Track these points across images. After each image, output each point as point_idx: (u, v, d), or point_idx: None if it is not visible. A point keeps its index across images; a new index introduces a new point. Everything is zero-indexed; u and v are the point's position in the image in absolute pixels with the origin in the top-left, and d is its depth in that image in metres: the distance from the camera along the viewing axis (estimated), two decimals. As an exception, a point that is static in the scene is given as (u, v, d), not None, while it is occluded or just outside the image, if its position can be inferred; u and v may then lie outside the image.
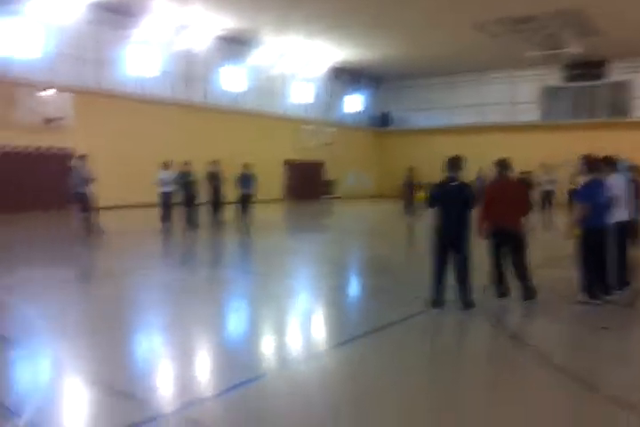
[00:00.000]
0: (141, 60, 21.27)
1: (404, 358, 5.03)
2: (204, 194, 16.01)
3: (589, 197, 6.67)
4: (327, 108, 30.86)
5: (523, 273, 6.93)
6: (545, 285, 7.34)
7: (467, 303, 6.37)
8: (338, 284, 8.59)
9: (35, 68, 17.97)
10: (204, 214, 15.74)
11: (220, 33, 22.69)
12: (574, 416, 3.95)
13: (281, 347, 5.36)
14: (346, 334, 5.56)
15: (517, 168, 18.80)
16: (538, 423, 3.75)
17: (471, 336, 6.07)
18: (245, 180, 16.46)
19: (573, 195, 7.11)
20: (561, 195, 25.38)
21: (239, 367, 4.55)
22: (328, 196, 30.28)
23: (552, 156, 27.12)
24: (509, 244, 6.81)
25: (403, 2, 18.69)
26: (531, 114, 29.54)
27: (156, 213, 15.41)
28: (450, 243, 6.31)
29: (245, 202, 16.41)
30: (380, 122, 34.16)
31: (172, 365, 4.83)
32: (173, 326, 5.89)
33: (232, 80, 24.98)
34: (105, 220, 13.60)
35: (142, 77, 21.26)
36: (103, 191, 15.16)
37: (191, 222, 15.26)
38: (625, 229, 7.62)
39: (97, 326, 5.83)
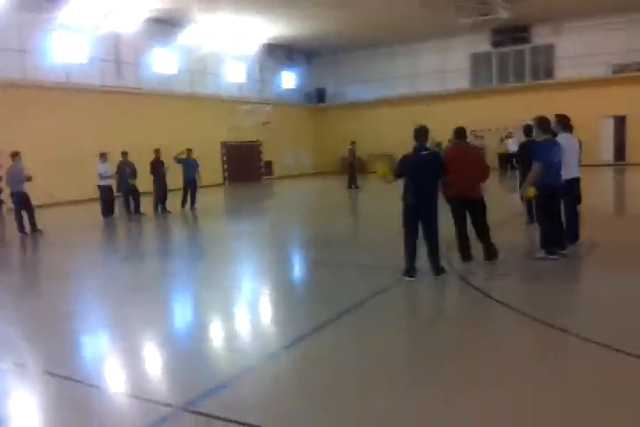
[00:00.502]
0: (67, 46, 20.20)
1: (395, 326, 5.20)
2: (147, 184, 15.61)
3: (545, 157, 6.90)
4: (261, 86, 30.43)
5: (485, 236, 7.17)
6: (503, 244, 7.58)
7: (438, 270, 6.53)
8: (298, 265, 8.64)
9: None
10: (147, 205, 15.34)
11: (148, 14, 21.83)
12: (542, 348, 4.61)
13: (246, 344, 5.10)
14: (325, 315, 5.53)
15: (450, 136, 19.41)
16: (510, 356, 4.00)
17: (449, 299, 6.34)
18: (189, 166, 16.08)
19: (532, 154, 7.28)
20: (489, 159, 26.55)
21: (196, 376, 4.15)
22: (268, 176, 30.06)
23: (483, 121, 27.93)
24: (471, 209, 7.00)
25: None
26: (461, 81, 30.08)
27: (97, 207, 14.94)
28: (420, 212, 6.40)
29: (190, 189, 16.04)
30: (315, 98, 33.99)
31: (129, 376, 4.47)
32: (121, 330, 5.49)
33: (163, 63, 24.19)
34: (43, 218, 13.01)
35: (69, 65, 20.26)
36: (40, 188, 14.51)
37: (134, 214, 14.91)
38: (575, 186, 7.97)
39: (41, 333, 5.47)
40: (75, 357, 4.86)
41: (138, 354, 4.86)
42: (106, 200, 14.57)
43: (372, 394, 3.72)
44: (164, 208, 15.45)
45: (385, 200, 17.39)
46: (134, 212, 14.93)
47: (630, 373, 3.88)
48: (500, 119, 27.26)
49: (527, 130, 9.53)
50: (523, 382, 3.79)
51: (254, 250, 10.01)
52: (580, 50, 26.53)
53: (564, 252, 7.41)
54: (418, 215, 6.41)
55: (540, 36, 27.90)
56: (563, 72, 27.48)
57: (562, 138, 7.53)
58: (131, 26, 21.71)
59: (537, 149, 7.08)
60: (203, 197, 16.77)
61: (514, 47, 28.44)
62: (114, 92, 21.48)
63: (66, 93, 19.76)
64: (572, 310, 5.49)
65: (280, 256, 9.40)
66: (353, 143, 20.75)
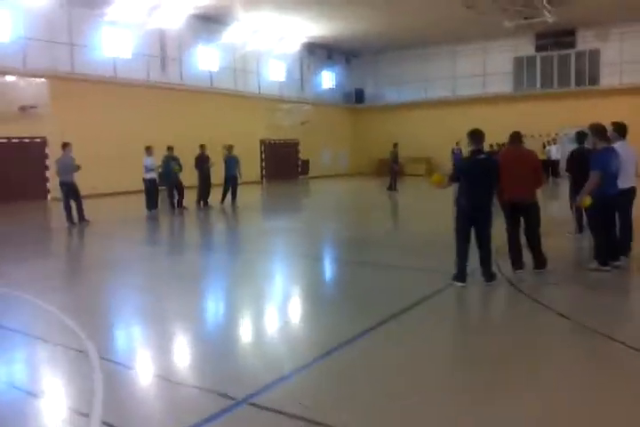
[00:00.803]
0: (114, 41, 20.66)
1: (448, 330, 5.24)
2: (191, 178, 15.84)
3: (605, 166, 6.77)
4: (301, 85, 30.55)
5: (536, 244, 7.07)
6: (551, 253, 7.42)
7: (490, 276, 6.48)
8: (341, 265, 8.64)
9: (5, 53, 17.30)
10: (191, 199, 15.57)
11: (193, 11, 22.10)
12: (597, 358, 4.55)
13: (301, 340, 5.21)
14: (376, 317, 5.54)
15: (492, 140, 19.09)
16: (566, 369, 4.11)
17: (502, 306, 6.29)
18: (230, 162, 16.27)
19: (585, 162, 7.17)
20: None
21: (248, 373, 4.22)
22: (304, 175, 30.13)
23: (524, 126, 27.44)
24: (525, 214, 6.92)
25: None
26: (503, 85, 29.70)
27: (142, 199, 15.21)
28: (474, 216, 6.34)
29: (231, 185, 16.23)
30: (354, 98, 33.95)
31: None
32: (157, 322, 5.62)
33: (206, 59, 24.47)
34: (89, 208, 13.27)
35: (116, 59, 20.66)
36: (85, 179, 14.83)
37: (177, 208, 15.12)
38: (630, 196, 7.79)
39: (92, 321, 5.62)
40: (128, 347, 5.02)
41: (185, 347, 4.96)
42: (150, 193, 14.81)
43: (417, 395, 3.74)
44: (206, 203, 15.66)
45: (424, 203, 17.45)
46: (178, 205, 15.16)
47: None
48: (541, 125, 26.80)
49: (579, 137, 9.35)
50: (567, 388, 3.85)
51: (294, 247, 10.06)
52: (626, 56, 25.95)
53: (617, 263, 7.26)
54: (471, 220, 6.35)
55: (586, 41, 27.38)
56: (608, 79, 26.89)
57: (619, 146, 7.39)
58: (176, 22, 21.98)
59: (596, 158, 6.94)
60: (242, 194, 16.94)
61: (558, 52, 27.99)
62: (158, 88, 21.84)
63: (112, 87, 20.16)
64: (624, 321, 5.49)
65: (320, 255, 9.50)
66: (395, 145, 20.81)
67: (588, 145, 9.05)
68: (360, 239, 10.48)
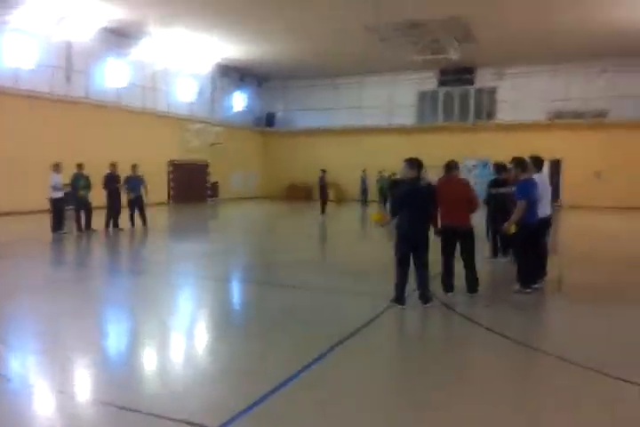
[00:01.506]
0: (18, 50, 19.42)
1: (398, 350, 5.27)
2: (98, 198, 15.05)
3: (529, 195, 7.25)
4: (212, 106, 30.27)
5: (474, 267, 7.38)
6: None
7: (427, 299, 6.67)
8: (275, 290, 8.55)
9: None
10: (99, 220, 14.76)
11: (103, 24, 21.35)
12: (521, 364, 5.12)
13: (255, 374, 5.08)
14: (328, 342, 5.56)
15: (394, 171, 19.72)
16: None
17: (443, 327, 6.45)
18: (135, 182, 15.59)
19: (517, 192, 7.62)
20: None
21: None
22: (213, 198, 29.69)
23: (427, 156, 28.66)
24: (462, 240, 7.20)
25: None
26: (407, 117, 31.05)
27: (45, 219, 14.25)
28: (414, 241, 6.52)
29: (137, 206, 15.57)
30: (265, 122, 34.11)
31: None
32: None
33: (114, 75, 23.63)
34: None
35: (18, 70, 19.49)
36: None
37: (85, 229, 14.29)
38: (548, 224, 8.36)
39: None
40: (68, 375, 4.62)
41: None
42: (57, 213, 13.90)
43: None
44: (115, 225, 14.91)
45: (345, 226, 17.75)
46: (85, 227, 14.32)
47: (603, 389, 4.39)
48: (443, 156, 28.07)
49: (498, 168, 9.96)
50: (502, 400, 4.16)
51: (214, 271, 9.74)
52: (520, 95, 28.07)
53: (536, 286, 7.75)
54: (411, 245, 6.53)
55: (484, 79, 29.36)
56: (503, 115, 28.92)
57: (537, 177, 7.92)
58: (84, 34, 21.12)
59: (521, 188, 7.41)
60: (149, 216, 16.07)
61: (459, 88, 29.79)
62: (62, 101, 20.80)
63: (13, 99, 18.97)
64: (545, 334, 6.12)
65: (246, 278, 9.35)
66: (324, 171, 21.35)
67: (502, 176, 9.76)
68: (294, 263, 10.27)
